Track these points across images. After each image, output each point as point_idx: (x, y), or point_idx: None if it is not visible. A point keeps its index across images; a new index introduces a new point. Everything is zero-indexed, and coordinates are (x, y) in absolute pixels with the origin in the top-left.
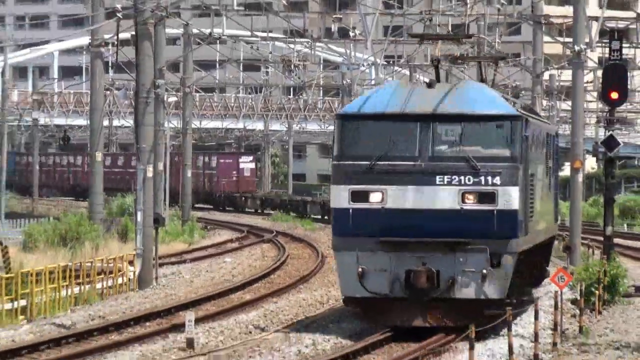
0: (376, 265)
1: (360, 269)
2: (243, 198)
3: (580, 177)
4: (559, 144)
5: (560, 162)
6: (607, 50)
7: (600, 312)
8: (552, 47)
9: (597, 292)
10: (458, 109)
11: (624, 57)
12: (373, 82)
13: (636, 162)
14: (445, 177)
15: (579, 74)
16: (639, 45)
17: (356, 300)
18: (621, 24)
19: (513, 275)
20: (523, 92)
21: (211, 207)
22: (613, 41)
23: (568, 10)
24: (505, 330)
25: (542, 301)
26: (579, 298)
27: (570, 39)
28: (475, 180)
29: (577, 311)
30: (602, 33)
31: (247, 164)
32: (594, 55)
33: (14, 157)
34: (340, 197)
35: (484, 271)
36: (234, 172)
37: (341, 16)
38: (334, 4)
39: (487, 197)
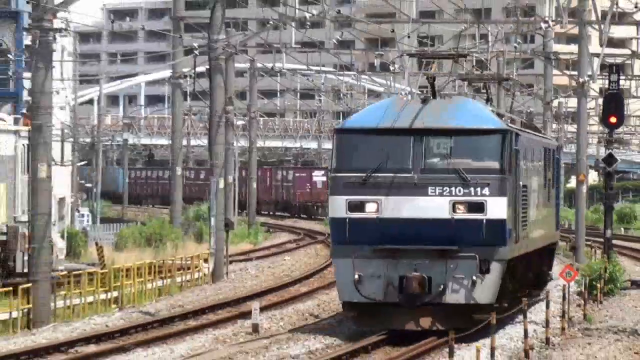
0: (371, 272)
1: (356, 275)
2: (315, 207)
3: (584, 189)
4: (560, 158)
5: (567, 176)
6: (606, 81)
7: (601, 302)
8: (560, 79)
9: (598, 285)
10: (449, 124)
11: (620, 87)
12: None
13: (631, 176)
14: (437, 188)
15: (582, 101)
16: (634, 78)
17: (353, 305)
18: (618, 60)
19: (506, 281)
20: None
21: (289, 214)
22: (612, 74)
23: (574, 47)
24: (521, 317)
25: (552, 293)
26: (583, 290)
27: (575, 72)
28: (466, 191)
29: (582, 301)
30: (602, 67)
31: (319, 177)
32: (596, 86)
33: (118, 172)
34: (337, 207)
35: (474, 277)
36: (308, 185)
37: (382, 53)
38: (376, 43)
39: (477, 207)
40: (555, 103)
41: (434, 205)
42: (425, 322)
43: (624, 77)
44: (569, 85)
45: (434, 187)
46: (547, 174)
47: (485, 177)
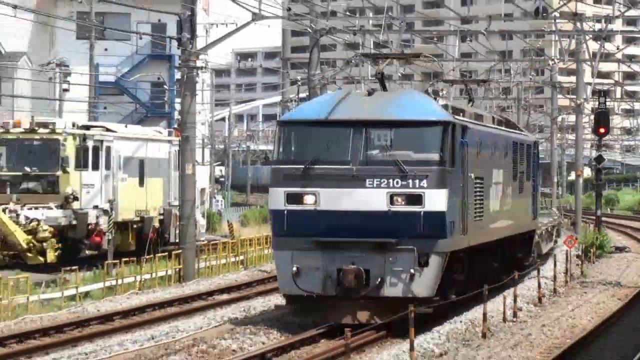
0: (310, 265)
1: (294, 268)
2: None
3: (580, 180)
4: (538, 152)
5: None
6: (597, 103)
7: (593, 263)
8: (562, 101)
9: (591, 250)
10: (389, 116)
11: (607, 107)
12: None
13: (615, 171)
14: (375, 180)
15: (579, 117)
16: (616, 100)
17: (292, 298)
18: (605, 87)
19: (453, 272)
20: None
21: None
22: (600, 97)
23: (572, 78)
24: (535, 274)
25: (558, 256)
26: (580, 254)
27: (574, 96)
28: (404, 183)
29: (580, 262)
30: (593, 92)
31: None
32: (589, 106)
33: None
34: (276, 199)
35: (412, 271)
36: None
37: (433, 83)
38: (429, 76)
39: (414, 199)
40: (559, 119)
41: (372, 198)
42: (363, 316)
43: (609, 100)
44: (569, 105)
45: (372, 179)
46: (517, 167)
47: (424, 169)
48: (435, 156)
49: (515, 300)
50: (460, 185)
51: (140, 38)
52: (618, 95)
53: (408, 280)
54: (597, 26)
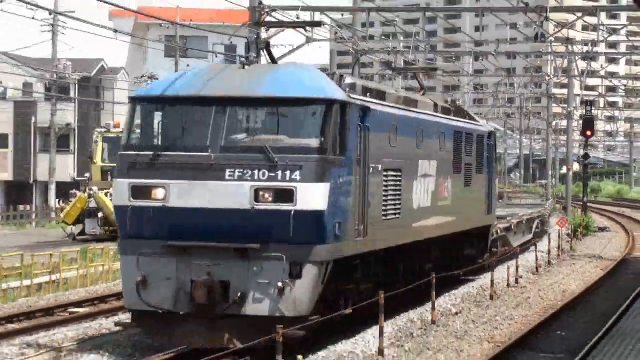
0: (159, 274)
1: (140, 277)
2: None
3: (570, 174)
4: (494, 144)
5: (561, 166)
6: (584, 111)
7: (580, 240)
8: (557, 109)
9: (579, 230)
10: (262, 92)
11: (592, 114)
12: None
13: (598, 166)
14: (237, 171)
15: (570, 122)
16: (600, 109)
17: (138, 314)
18: (591, 98)
19: (358, 282)
20: (543, 131)
21: None
22: (587, 106)
23: (565, 91)
24: (533, 249)
25: (552, 234)
26: (570, 233)
27: (566, 105)
28: (271, 175)
29: (569, 239)
30: (582, 102)
31: None
32: (578, 113)
33: None
34: (121, 192)
35: (280, 284)
36: None
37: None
38: (449, 88)
39: (285, 195)
40: (553, 123)
41: (232, 192)
42: (219, 339)
43: (594, 108)
44: (562, 112)
45: (233, 170)
46: (462, 158)
47: (297, 158)
48: (314, 142)
49: (517, 270)
50: (355, 178)
51: (216, 56)
52: (602, 105)
53: (276, 295)
54: (585, 49)
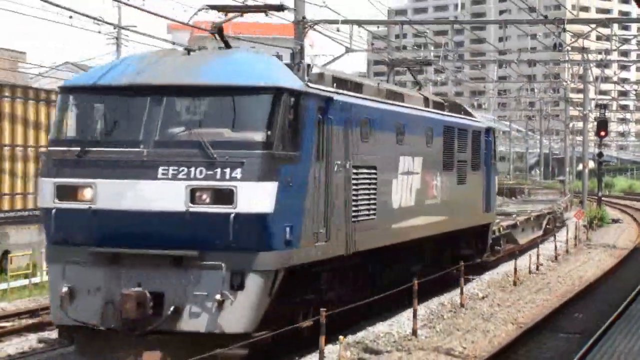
0: (86, 285)
1: (66, 288)
2: None
3: (586, 170)
4: (492, 140)
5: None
6: (598, 113)
7: (595, 230)
8: (573, 112)
9: (594, 221)
10: (203, 80)
11: (606, 116)
12: None
13: (611, 163)
14: (171, 168)
15: (585, 124)
16: (613, 111)
17: (65, 330)
18: (605, 101)
19: (325, 290)
20: (560, 132)
21: None
22: (601, 109)
23: (581, 95)
24: (552, 239)
25: (570, 225)
26: (586, 224)
27: (581, 108)
28: (209, 173)
29: (586, 230)
30: (596, 105)
31: None
32: (593, 115)
33: None
34: (45, 192)
35: (218, 296)
36: None
37: (478, 99)
38: (475, 92)
39: (223, 195)
40: (570, 125)
41: (166, 193)
42: (153, 357)
43: (607, 111)
44: (578, 115)
45: (167, 167)
46: (454, 155)
47: (238, 154)
48: (258, 136)
49: (538, 258)
50: (313, 176)
51: None
52: (614, 107)
53: (215, 309)
54: (599, 57)
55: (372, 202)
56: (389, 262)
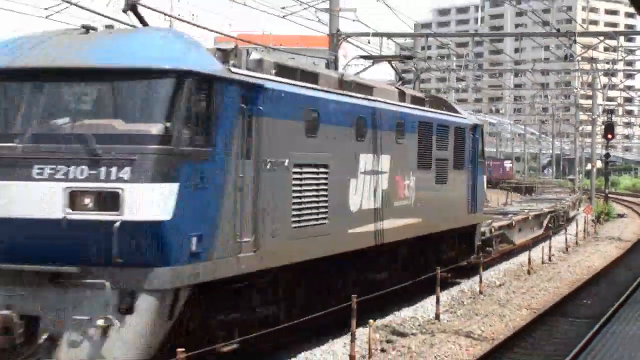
0: None
1: None
2: (504, 183)
3: (594, 170)
4: (479, 137)
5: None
6: (605, 117)
7: (602, 224)
8: (583, 116)
9: (602, 216)
10: (94, 61)
11: (612, 120)
12: None
13: (617, 163)
14: (48, 167)
15: (594, 127)
16: (619, 116)
17: None
18: (611, 107)
19: (255, 307)
20: (570, 135)
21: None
22: (608, 114)
23: (589, 101)
24: (563, 232)
25: (579, 220)
26: (594, 218)
27: (590, 113)
28: (92, 172)
29: (593, 224)
30: (604, 111)
31: (507, 164)
32: (600, 120)
33: None
34: None
35: (101, 322)
36: (500, 169)
37: (496, 104)
38: (492, 99)
39: (107, 199)
40: (580, 128)
41: (40, 196)
42: None
43: (614, 116)
44: (587, 119)
45: (42, 166)
46: (431, 153)
47: (127, 149)
48: (154, 128)
49: (549, 249)
50: (233, 176)
51: None
52: (620, 112)
53: (98, 336)
54: (606, 66)
55: (322, 205)
56: (346, 270)
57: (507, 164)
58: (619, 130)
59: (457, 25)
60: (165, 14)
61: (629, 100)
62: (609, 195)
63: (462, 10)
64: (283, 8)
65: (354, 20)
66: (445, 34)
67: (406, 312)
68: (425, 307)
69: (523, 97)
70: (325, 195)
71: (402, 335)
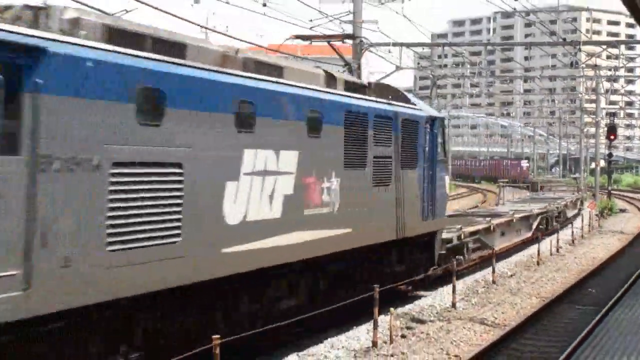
0: None
1: None
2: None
3: (598, 168)
4: (437, 132)
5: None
6: (608, 120)
7: (606, 218)
8: (587, 119)
9: (605, 211)
10: None
11: (615, 122)
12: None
13: (619, 162)
14: None
15: (597, 129)
16: (620, 118)
17: None
18: (614, 110)
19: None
20: (577, 136)
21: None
22: (611, 117)
23: (593, 105)
24: (569, 226)
25: (585, 214)
26: (598, 213)
27: (594, 115)
28: None
29: (597, 218)
30: (607, 114)
31: (524, 163)
32: (603, 122)
33: None
34: None
35: None
36: (518, 168)
37: (508, 108)
38: (504, 103)
39: None
40: (585, 130)
41: None
42: None
43: (616, 118)
44: (591, 121)
45: None
46: (367, 149)
47: None
48: None
49: (557, 242)
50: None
51: None
52: (622, 115)
53: None
54: (609, 73)
55: (171, 217)
56: (218, 303)
57: (524, 163)
58: (621, 131)
59: (471, 35)
60: (201, 26)
61: (629, 103)
62: (612, 192)
63: (476, 21)
64: (310, 20)
65: (374, 31)
66: (460, 43)
67: (424, 301)
68: (442, 296)
69: (532, 101)
70: (179, 204)
71: (421, 322)
